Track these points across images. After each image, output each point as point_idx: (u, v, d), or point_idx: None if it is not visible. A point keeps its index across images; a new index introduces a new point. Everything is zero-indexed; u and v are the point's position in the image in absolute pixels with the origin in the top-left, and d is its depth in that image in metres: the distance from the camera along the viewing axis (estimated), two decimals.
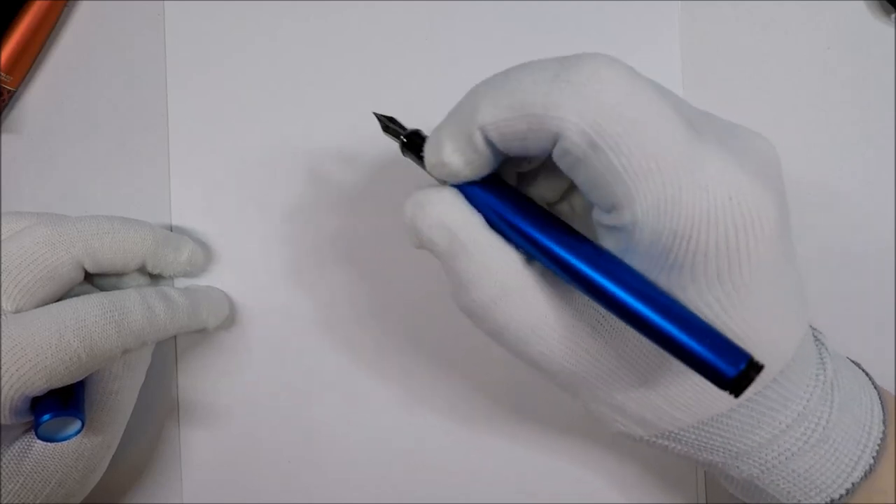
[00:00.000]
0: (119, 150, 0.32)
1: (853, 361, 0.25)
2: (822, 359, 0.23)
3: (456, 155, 0.20)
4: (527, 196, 0.22)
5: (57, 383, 0.24)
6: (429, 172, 0.22)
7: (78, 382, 0.26)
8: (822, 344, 0.24)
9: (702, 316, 0.19)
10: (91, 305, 0.25)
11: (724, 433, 0.22)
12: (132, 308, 0.26)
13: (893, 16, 0.30)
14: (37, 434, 0.24)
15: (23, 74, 0.31)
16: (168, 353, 0.32)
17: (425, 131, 0.23)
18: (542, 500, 0.31)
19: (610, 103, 0.18)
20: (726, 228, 0.18)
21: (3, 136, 0.32)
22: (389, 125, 0.24)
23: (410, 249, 0.31)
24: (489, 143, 0.20)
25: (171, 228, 0.32)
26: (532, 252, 0.20)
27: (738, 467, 0.23)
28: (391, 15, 0.31)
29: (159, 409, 0.32)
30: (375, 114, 0.25)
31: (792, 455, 0.22)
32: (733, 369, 0.17)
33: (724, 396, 0.21)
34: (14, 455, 0.26)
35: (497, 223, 0.21)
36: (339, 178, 0.31)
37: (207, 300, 0.30)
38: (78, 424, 0.25)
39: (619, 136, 0.18)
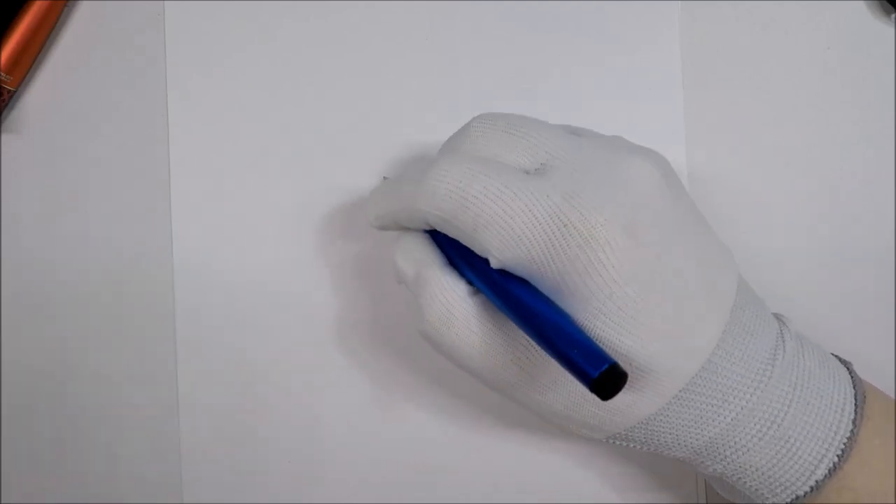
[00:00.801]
0: (119, 151, 0.32)
1: (840, 359, 0.25)
2: (775, 355, 0.23)
3: (377, 223, 0.26)
4: None
5: None
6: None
7: None
8: (784, 339, 0.24)
9: (596, 336, 0.21)
10: None
11: (670, 430, 0.23)
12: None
13: (893, 16, 0.30)
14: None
15: (23, 74, 0.31)
16: (168, 352, 0.32)
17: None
18: (542, 500, 0.31)
19: (453, 186, 0.22)
20: (570, 251, 0.21)
21: (3, 136, 0.32)
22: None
23: None
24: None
25: (171, 228, 0.32)
26: (475, 284, 0.24)
27: (703, 464, 0.24)
28: (391, 15, 0.31)
29: (159, 409, 0.32)
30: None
31: (748, 450, 0.23)
32: (594, 371, 0.20)
33: (652, 398, 0.23)
34: None
35: (453, 261, 0.24)
36: (340, 177, 0.31)
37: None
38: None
39: (458, 213, 0.22)
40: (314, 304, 0.31)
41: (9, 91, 0.31)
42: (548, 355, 0.21)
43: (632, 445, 0.25)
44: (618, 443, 0.25)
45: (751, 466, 0.23)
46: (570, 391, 0.23)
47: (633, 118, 0.31)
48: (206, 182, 0.32)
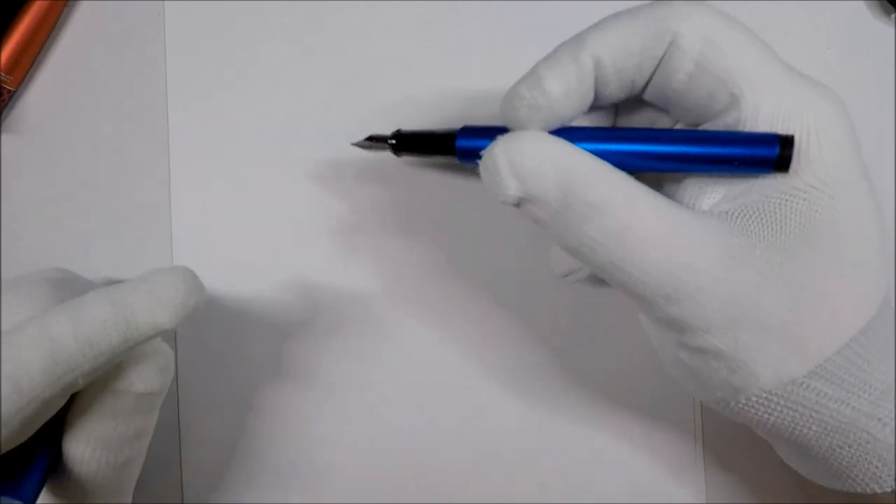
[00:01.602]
0: (119, 151, 0.32)
1: None
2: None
3: (557, 82, 0.21)
4: (586, 127, 0.23)
5: None
6: (506, 119, 0.22)
7: (35, 461, 0.22)
8: None
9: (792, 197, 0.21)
10: None
11: (868, 355, 0.21)
12: (28, 355, 0.21)
13: (893, 16, 0.30)
14: None
15: (23, 74, 0.31)
16: None
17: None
18: (542, 501, 0.31)
19: (721, 14, 0.21)
20: (827, 124, 0.20)
21: (3, 136, 0.32)
22: (371, 142, 0.27)
23: (415, 246, 0.31)
24: (597, 71, 0.21)
25: (171, 228, 0.32)
26: (634, 162, 0.22)
27: (879, 419, 0.21)
28: (391, 14, 0.31)
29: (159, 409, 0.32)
30: (354, 143, 0.27)
31: None
32: (772, 150, 0.20)
33: (873, 291, 0.21)
34: None
35: (593, 152, 0.21)
36: (342, 176, 0.31)
37: (146, 293, 0.23)
38: None
39: (733, 35, 0.20)
40: (314, 304, 0.31)
41: (9, 91, 0.31)
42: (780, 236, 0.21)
43: (820, 388, 0.21)
44: (812, 384, 0.21)
45: None
46: (790, 283, 0.20)
47: None
48: (206, 182, 0.32)
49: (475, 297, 0.31)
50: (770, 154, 0.20)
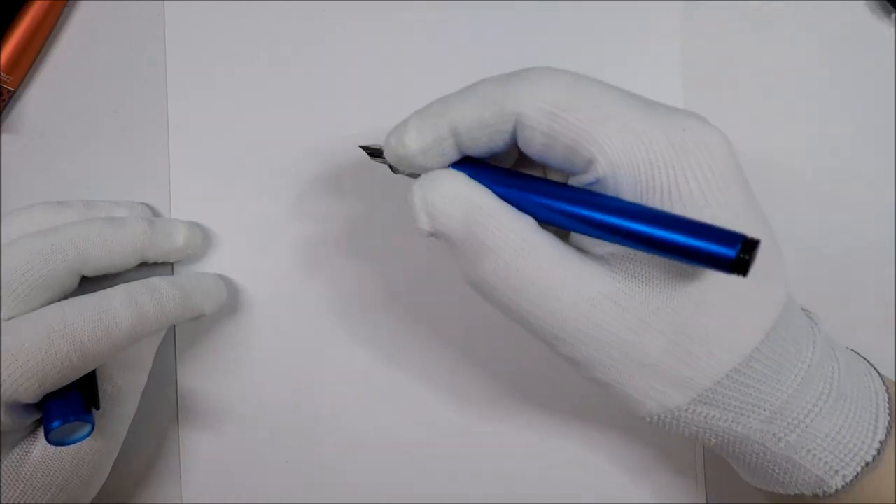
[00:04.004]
0: (119, 151, 0.32)
1: (853, 350, 0.26)
2: (813, 327, 0.24)
3: (416, 141, 0.22)
4: (511, 169, 0.24)
5: (51, 387, 0.25)
6: (391, 164, 0.24)
7: (88, 382, 0.26)
8: (812, 319, 0.24)
9: None
10: (77, 308, 0.25)
11: (754, 383, 0.22)
12: (119, 307, 0.26)
13: (893, 16, 0.30)
14: (48, 439, 0.24)
15: (23, 74, 0.31)
16: (168, 352, 0.32)
17: None
18: (542, 501, 0.31)
19: (561, 83, 0.21)
20: (693, 153, 0.20)
21: (3, 136, 0.32)
22: (376, 152, 0.26)
23: (417, 239, 0.31)
24: (454, 136, 0.22)
25: None
26: (542, 213, 0.22)
27: (775, 436, 0.23)
28: (391, 13, 0.31)
29: (159, 409, 0.32)
30: (362, 147, 0.26)
31: (818, 413, 0.22)
32: (732, 250, 0.19)
33: (751, 327, 0.22)
34: (13, 461, 0.26)
35: (503, 195, 0.22)
36: (341, 175, 0.31)
37: (201, 286, 0.29)
38: (88, 428, 0.25)
39: (576, 101, 0.21)
40: (314, 303, 0.31)
41: (9, 91, 0.31)
42: (659, 278, 0.21)
43: (708, 413, 0.22)
44: (697, 410, 0.22)
45: (821, 432, 0.22)
46: (668, 326, 0.21)
47: None
48: (206, 182, 0.32)
49: (469, 306, 0.31)
50: (727, 254, 0.19)
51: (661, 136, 0.20)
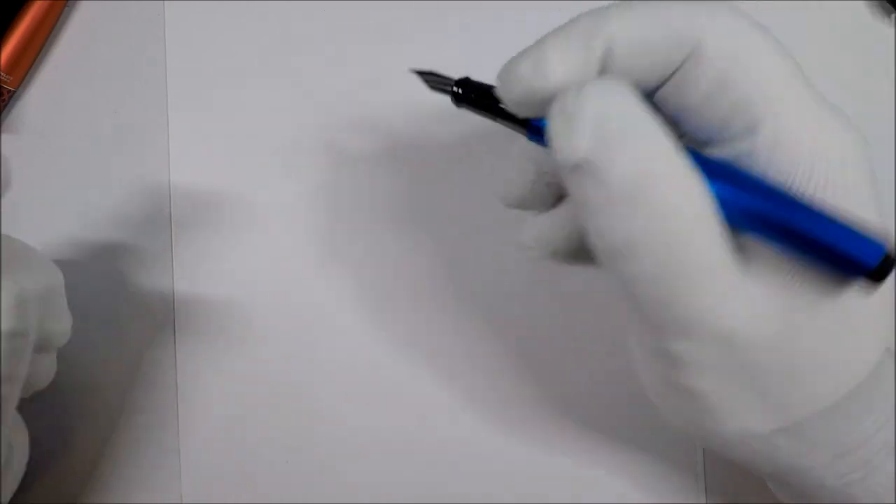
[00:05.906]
0: (119, 151, 0.32)
1: None
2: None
3: (562, 68, 0.17)
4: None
5: None
6: (506, 103, 0.19)
7: None
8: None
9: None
10: None
11: (846, 419, 0.20)
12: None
13: (893, 16, 0.30)
14: None
15: (23, 74, 0.31)
16: (168, 352, 0.32)
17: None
18: (542, 501, 0.31)
19: (753, 25, 0.18)
20: (848, 157, 0.19)
21: (3, 136, 0.32)
22: (432, 80, 0.23)
23: (427, 233, 0.31)
24: (606, 60, 0.18)
25: (170, 229, 0.32)
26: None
27: (837, 471, 0.20)
28: (391, 12, 0.31)
29: (159, 409, 0.32)
30: (415, 70, 0.22)
31: (888, 452, 0.20)
32: (873, 258, 0.17)
33: (860, 360, 0.19)
34: None
35: None
36: (342, 174, 0.31)
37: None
38: None
39: (764, 54, 0.18)
40: (314, 303, 0.31)
41: (9, 91, 0.31)
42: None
43: (782, 445, 0.20)
44: (773, 440, 0.20)
45: (886, 471, 0.20)
46: (786, 343, 0.18)
47: None
48: (206, 182, 0.32)
49: (474, 306, 0.31)
50: (870, 260, 0.17)
51: (827, 138, 0.18)
